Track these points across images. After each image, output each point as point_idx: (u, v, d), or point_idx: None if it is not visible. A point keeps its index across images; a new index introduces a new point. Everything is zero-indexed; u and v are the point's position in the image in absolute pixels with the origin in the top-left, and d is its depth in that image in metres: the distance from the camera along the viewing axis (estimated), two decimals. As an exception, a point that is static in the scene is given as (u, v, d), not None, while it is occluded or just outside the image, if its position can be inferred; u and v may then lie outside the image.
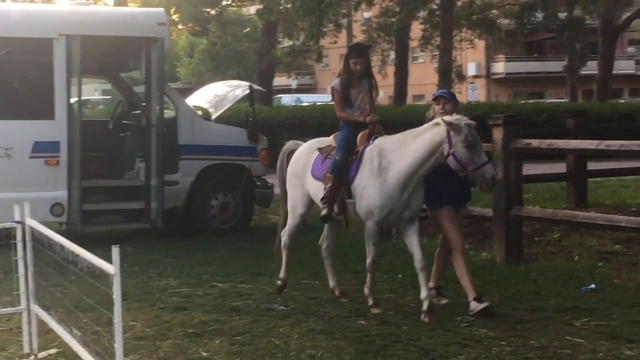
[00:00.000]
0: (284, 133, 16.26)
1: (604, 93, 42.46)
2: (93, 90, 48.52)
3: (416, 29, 45.57)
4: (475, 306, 9.03)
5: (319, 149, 9.99)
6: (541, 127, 28.61)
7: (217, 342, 8.28)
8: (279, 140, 16.62)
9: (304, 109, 32.77)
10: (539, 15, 46.35)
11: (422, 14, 44.16)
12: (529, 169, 17.02)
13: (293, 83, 69.08)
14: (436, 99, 9.50)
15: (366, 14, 47.36)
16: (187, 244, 13.86)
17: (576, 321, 8.62)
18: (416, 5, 40.98)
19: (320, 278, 10.95)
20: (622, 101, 46.83)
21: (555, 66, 63.38)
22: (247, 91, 15.91)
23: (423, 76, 63.65)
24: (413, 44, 47.21)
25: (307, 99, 53.40)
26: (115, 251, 5.78)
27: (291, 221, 10.30)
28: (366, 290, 9.57)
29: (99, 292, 6.84)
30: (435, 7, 43.00)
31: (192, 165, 14.89)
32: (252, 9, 47.61)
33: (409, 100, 48.31)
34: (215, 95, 16.44)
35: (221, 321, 9.03)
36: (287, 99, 54.26)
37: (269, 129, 23.21)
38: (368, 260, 9.47)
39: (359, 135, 9.51)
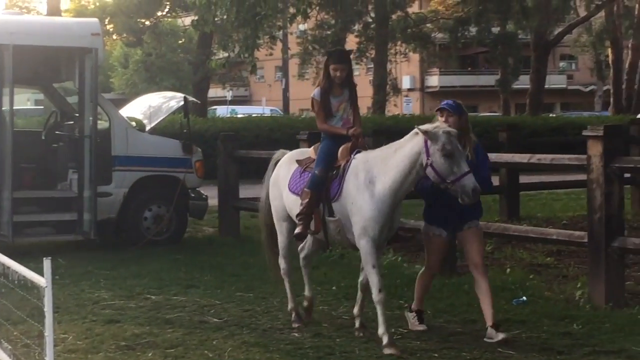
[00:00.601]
0: (219, 145, 16.24)
1: (536, 107, 42.95)
2: (25, 100, 47.97)
3: (351, 42, 45.77)
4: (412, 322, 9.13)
5: (298, 161, 9.37)
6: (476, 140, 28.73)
7: (149, 355, 8.23)
8: (213, 152, 16.61)
9: (238, 121, 32.78)
10: (473, 29, 46.86)
11: (357, 27, 44.43)
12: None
13: (228, 94, 68.83)
14: (440, 110, 8.86)
15: (302, 27, 47.43)
16: (120, 256, 13.74)
17: (508, 333, 8.69)
18: (351, 18, 41.26)
19: (254, 290, 10.94)
20: (554, 115, 47.39)
21: (489, 80, 63.98)
22: (182, 102, 15.84)
23: (358, 89, 63.34)
24: (348, 56, 47.30)
25: (242, 111, 53.28)
26: (47, 263, 5.73)
27: (280, 238, 9.57)
28: (380, 330, 8.37)
29: (30, 305, 6.76)
30: (370, 20, 43.28)
31: (126, 176, 14.78)
32: (187, 20, 47.40)
33: (344, 113, 48.35)
34: (149, 106, 16.35)
35: (154, 334, 8.97)
36: (221, 111, 54.05)
37: (203, 140, 23.19)
38: (373, 291, 8.46)
39: (341, 149, 8.89)
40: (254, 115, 39.87)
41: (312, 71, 49.63)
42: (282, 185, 9.41)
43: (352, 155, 8.78)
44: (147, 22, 44.98)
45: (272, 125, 30.82)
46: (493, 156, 11.83)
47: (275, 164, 9.80)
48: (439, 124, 8.37)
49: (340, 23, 40.66)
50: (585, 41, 60.43)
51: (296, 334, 8.95)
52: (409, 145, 8.38)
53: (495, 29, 48.73)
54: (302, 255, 9.80)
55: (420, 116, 41.59)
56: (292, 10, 21.08)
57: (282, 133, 29.25)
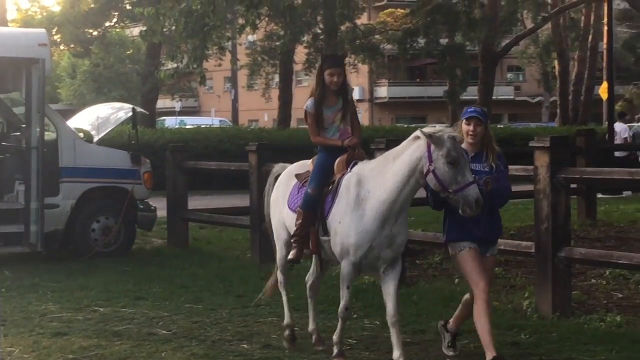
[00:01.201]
0: (167, 156, 16.19)
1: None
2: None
3: (300, 53, 45.81)
4: None
5: (297, 176, 8.80)
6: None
7: (97, 367, 8.17)
8: (162, 163, 16.55)
9: (187, 132, 32.67)
10: (421, 41, 47.04)
11: (306, 38, 44.45)
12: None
13: (177, 105, 68.69)
14: (468, 119, 8.00)
15: (250, 38, 47.44)
16: (67, 267, 13.64)
17: (456, 343, 8.72)
18: (300, 29, 41.25)
19: (202, 302, 10.90)
20: (502, 126, 47.74)
21: (437, 91, 64.32)
22: (130, 113, 15.77)
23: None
24: (297, 67, 47.42)
25: (190, 122, 53.10)
26: (-8, 276, 5.67)
27: (279, 254, 9.11)
28: (335, 338, 8.42)
29: (-24, 318, 6.69)
30: (319, 31, 43.33)
31: (74, 188, 14.67)
32: (135, 31, 47.22)
33: (293, 124, 48.39)
34: (97, 117, 16.25)
35: (102, 346, 8.91)
36: (170, 122, 53.92)
37: (152, 151, 23.09)
38: (341, 305, 8.32)
39: (336, 162, 8.33)
40: (203, 126, 39.74)
41: (261, 82, 49.69)
42: (281, 203, 8.91)
43: (348, 168, 8.22)
44: (95, 33, 44.68)
45: (221, 136, 30.76)
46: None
47: (275, 179, 9.31)
48: (444, 128, 7.78)
49: (289, 34, 40.60)
50: (532, 53, 61.00)
51: (245, 345, 8.93)
52: (409, 151, 7.78)
53: (444, 41, 48.98)
54: (308, 284, 9.28)
55: (370, 127, 41.77)
56: (240, 21, 21.08)
57: (231, 144, 29.23)
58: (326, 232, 8.21)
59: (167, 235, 16.18)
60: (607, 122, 30.92)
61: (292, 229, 8.56)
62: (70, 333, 9.48)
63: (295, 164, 9.16)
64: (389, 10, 57.44)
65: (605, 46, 30.37)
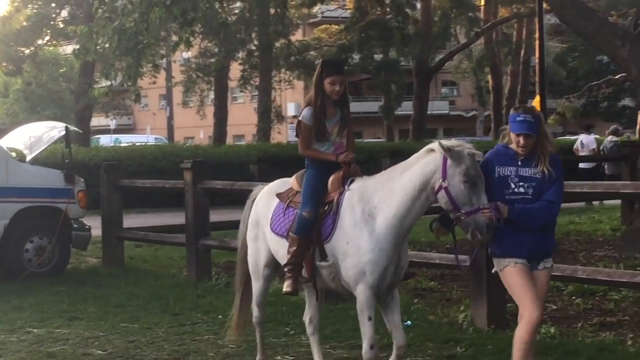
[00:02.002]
0: (102, 174, 16.06)
1: (419, 132, 43.51)
2: None
3: (235, 70, 45.78)
4: None
5: (278, 195, 8.02)
6: (360, 166, 29.01)
7: (31, 389, 8.07)
8: (96, 181, 16.41)
9: (122, 150, 32.45)
10: (356, 56, 47.28)
11: (241, 54, 44.45)
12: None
13: (111, 123, 68.24)
14: (523, 136, 6.84)
15: (185, 55, 47.28)
16: (1, 288, 13.45)
17: (393, 357, 8.74)
18: (235, 46, 41.26)
19: (138, 321, 10.81)
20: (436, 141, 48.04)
21: (373, 106, 64.62)
22: (63, 132, 15.63)
23: (243, 116, 63.97)
24: (232, 84, 47.38)
25: (125, 140, 52.74)
26: None
27: (255, 285, 8.37)
28: None
29: None
30: (254, 48, 43.34)
31: (6, 208, 14.49)
32: (69, 49, 46.85)
33: (229, 141, 48.36)
34: (30, 136, 16.08)
35: (36, 368, 8.80)
36: (105, 140, 53.51)
37: (86, 170, 22.87)
38: (364, 345, 7.45)
39: (330, 179, 7.62)
40: (138, 144, 39.50)
41: (196, 99, 49.56)
42: (263, 224, 8.11)
43: (345, 186, 7.53)
44: (27, 51, 44.23)
45: (156, 154, 30.60)
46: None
47: (253, 201, 8.49)
48: (462, 143, 7.08)
49: (224, 51, 40.62)
50: (466, 67, 61.48)
51: (182, 364, 8.87)
52: (420, 164, 7.13)
53: (378, 56, 49.28)
54: (307, 318, 8.42)
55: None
56: (174, 38, 21.05)
57: (166, 162, 29.09)
58: (324, 257, 7.50)
59: (102, 254, 16.03)
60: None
61: (279, 253, 7.86)
62: (4, 355, 9.35)
63: (274, 182, 8.41)
64: (324, 26, 57.62)
65: (537, 60, 30.66)
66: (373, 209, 7.29)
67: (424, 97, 44.76)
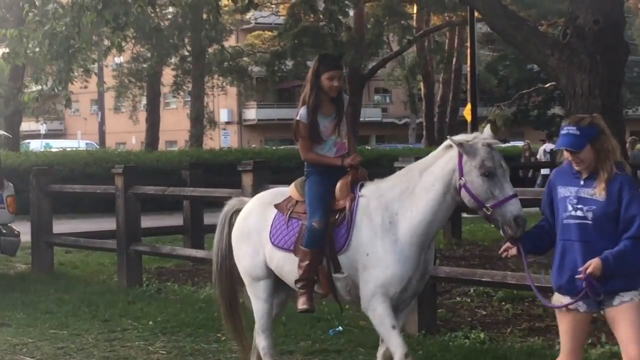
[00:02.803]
0: (31, 179, 15.88)
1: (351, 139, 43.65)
2: None
3: (168, 75, 45.58)
4: None
5: (276, 206, 7.36)
6: (292, 173, 29.08)
7: (-42, 397, 7.96)
8: (26, 186, 16.23)
9: (53, 155, 32.14)
10: (289, 63, 47.32)
11: (174, 60, 44.28)
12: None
13: (42, 128, 67.49)
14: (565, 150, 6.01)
15: (117, 60, 46.95)
16: None
17: None
18: (167, 51, 41.06)
19: (68, 327, 10.70)
20: (369, 147, 48.28)
21: (305, 113, 64.60)
22: (-8, 136, 15.45)
23: (175, 122, 63.65)
24: (165, 89, 47.16)
25: (56, 145, 52.22)
26: None
27: (257, 305, 7.52)
28: None
29: None
30: (187, 53, 43.19)
31: None
32: (-1, 52, 46.28)
33: (161, 146, 48.11)
34: (-42, 140, 15.88)
35: (-37, 375, 8.68)
36: (35, 145, 52.91)
37: (16, 175, 22.63)
38: (397, 357, 6.80)
39: (338, 186, 7.06)
40: (69, 149, 39.14)
41: (129, 104, 49.26)
42: (256, 239, 7.38)
43: (356, 192, 7.00)
44: (-44, 55, 43.70)
45: (87, 159, 30.35)
46: (308, 188, 12.00)
47: (232, 215, 7.75)
48: (478, 134, 6.59)
49: (156, 56, 40.43)
50: (399, 75, 61.86)
51: (112, 371, 8.81)
52: (441, 163, 6.66)
53: (311, 63, 49.39)
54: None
55: (238, 149, 41.77)
56: (106, 43, 20.87)
57: (98, 167, 28.88)
58: (338, 269, 6.93)
59: (32, 260, 15.84)
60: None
61: (285, 268, 7.18)
62: None
63: (267, 191, 7.82)
64: (257, 32, 57.70)
65: (468, 69, 30.98)
66: (394, 215, 6.78)
67: (356, 104, 44.92)
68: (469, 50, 31.35)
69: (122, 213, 13.68)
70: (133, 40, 38.60)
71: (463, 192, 6.48)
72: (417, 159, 9.69)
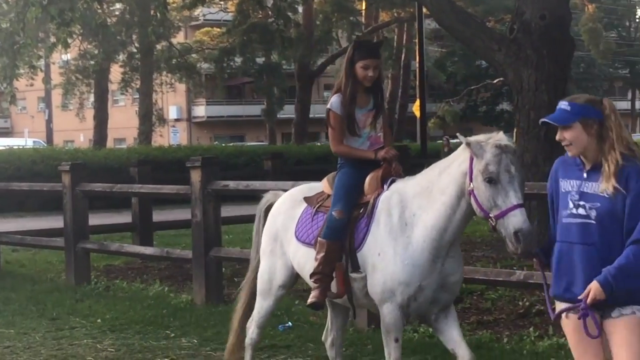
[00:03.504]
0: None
1: (301, 136, 43.71)
2: None
3: (116, 72, 45.32)
4: None
5: (306, 199, 7.01)
6: (241, 170, 29.10)
7: None
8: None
9: (-1, 153, 31.83)
10: (238, 60, 47.25)
11: (122, 56, 44.04)
12: (231, 211, 17.27)
13: (-12, 126, 66.87)
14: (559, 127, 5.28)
15: (64, 56, 46.59)
16: None
17: (273, 358, 8.77)
18: (115, 48, 40.83)
19: (14, 326, 10.58)
20: (319, 144, 48.33)
21: (255, 110, 64.65)
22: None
23: (124, 119, 63.27)
24: (113, 87, 46.88)
25: (2, 143, 51.70)
26: None
27: (262, 303, 7.32)
28: None
29: None
30: (134, 50, 42.98)
31: None
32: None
33: (110, 144, 47.85)
34: None
35: None
36: (-19, 143, 52.37)
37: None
38: None
39: (368, 179, 6.63)
40: (15, 147, 38.73)
41: (76, 102, 48.89)
42: (284, 236, 7.07)
43: (384, 187, 6.55)
44: None
45: (34, 157, 30.06)
46: (257, 184, 12.00)
47: (267, 210, 7.45)
48: (495, 135, 5.95)
49: (103, 53, 40.20)
50: (348, 71, 61.88)
51: (59, 369, 8.73)
52: (456, 164, 6.11)
53: (260, 60, 49.33)
54: (328, 342, 7.55)
55: (187, 146, 41.62)
56: (52, 39, 20.71)
57: (45, 165, 28.62)
58: (356, 268, 6.50)
59: (-22, 259, 15.67)
60: (420, 139, 31.73)
61: (307, 267, 6.78)
62: None
63: (299, 186, 7.50)
64: (206, 29, 57.50)
65: (417, 65, 31.15)
66: (412, 216, 6.30)
67: (306, 100, 44.99)
68: (417, 47, 31.50)
69: (69, 211, 13.57)
70: (80, 37, 38.36)
71: (472, 199, 5.90)
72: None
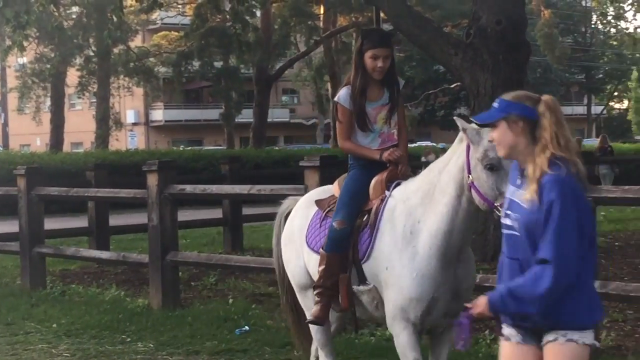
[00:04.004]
0: None
1: (259, 140, 43.66)
2: None
3: (72, 76, 45.06)
4: None
5: (317, 202, 6.55)
6: (199, 174, 29.03)
7: None
8: None
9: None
10: (196, 63, 47.16)
11: (79, 60, 43.82)
12: (189, 215, 17.22)
13: (-57, 130, 66.20)
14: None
15: (20, 60, 46.26)
16: None
17: None
18: (71, 51, 40.60)
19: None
20: (277, 148, 48.33)
21: (213, 114, 64.53)
22: None
23: (81, 123, 62.91)
24: (70, 90, 46.59)
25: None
26: None
27: (307, 303, 6.66)
28: None
29: None
30: (92, 53, 42.77)
31: None
32: None
33: (66, 148, 47.52)
34: None
35: None
36: None
37: None
38: None
39: (373, 183, 6.18)
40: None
41: (32, 105, 48.56)
42: (298, 241, 6.61)
43: (388, 192, 6.09)
44: None
45: (-11, 161, 29.83)
46: (214, 188, 11.98)
47: (286, 216, 6.98)
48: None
49: (60, 56, 39.97)
50: (306, 76, 62.02)
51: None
52: (454, 159, 5.63)
53: (218, 64, 49.27)
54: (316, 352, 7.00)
55: (145, 150, 41.44)
56: (8, 42, 20.56)
57: (0, 169, 28.38)
58: (363, 280, 6.06)
59: None
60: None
61: (316, 274, 6.31)
62: None
63: (316, 189, 7.20)
64: (163, 33, 57.38)
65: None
66: (416, 224, 5.82)
67: (264, 104, 44.95)
68: (375, 51, 31.53)
69: (25, 215, 13.46)
70: (36, 40, 38.11)
71: (473, 192, 5.44)
72: (322, 157, 9.83)
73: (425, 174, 5.91)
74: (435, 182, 5.74)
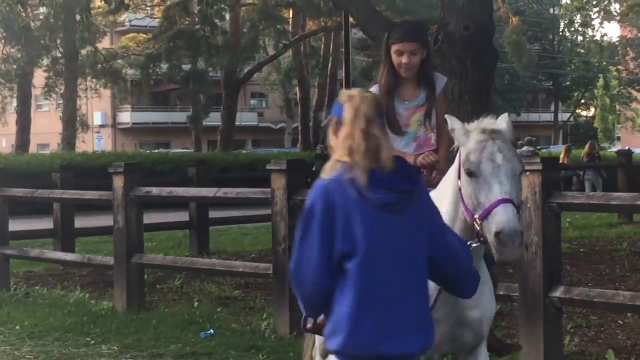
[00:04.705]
0: None
1: (227, 143, 43.61)
2: None
3: (39, 77, 44.83)
4: None
5: None
6: (166, 176, 28.96)
7: None
8: None
9: None
10: (164, 66, 47.05)
11: (46, 61, 43.62)
12: (155, 218, 17.16)
13: None
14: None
15: (-13, 61, 46.06)
16: None
17: None
18: (38, 52, 40.40)
19: None
20: (245, 152, 48.29)
21: (181, 117, 64.40)
22: None
23: (48, 125, 62.57)
24: (37, 91, 46.34)
25: None
26: None
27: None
28: None
29: None
30: (59, 54, 42.57)
31: None
32: None
33: (33, 149, 47.27)
34: None
35: None
36: None
37: None
38: None
39: None
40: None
41: (-1, 107, 48.31)
42: None
43: None
44: None
45: (-46, 162, 29.61)
46: (181, 190, 11.95)
47: None
48: (488, 119, 4.79)
49: (26, 57, 39.76)
50: (275, 79, 62.03)
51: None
52: (455, 163, 4.93)
53: (187, 66, 49.17)
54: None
55: (112, 152, 41.28)
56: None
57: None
58: None
59: None
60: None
61: None
62: None
63: None
64: (132, 34, 57.21)
65: (344, 74, 31.18)
66: None
67: (232, 108, 44.93)
68: (344, 55, 31.58)
69: (-11, 216, 13.36)
70: (2, 40, 37.90)
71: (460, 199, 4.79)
72: (289, 161, 9.83)
73: (444, 179, 5.18)
74: (442, 187, 5.10)
